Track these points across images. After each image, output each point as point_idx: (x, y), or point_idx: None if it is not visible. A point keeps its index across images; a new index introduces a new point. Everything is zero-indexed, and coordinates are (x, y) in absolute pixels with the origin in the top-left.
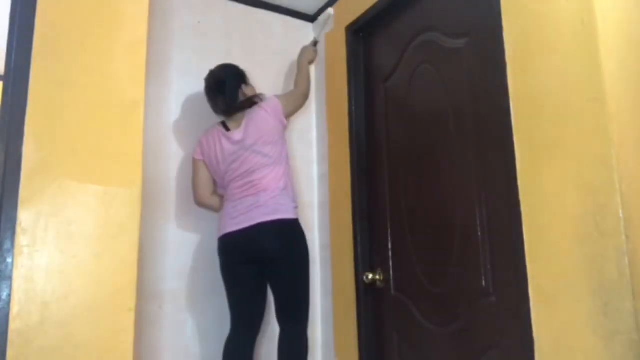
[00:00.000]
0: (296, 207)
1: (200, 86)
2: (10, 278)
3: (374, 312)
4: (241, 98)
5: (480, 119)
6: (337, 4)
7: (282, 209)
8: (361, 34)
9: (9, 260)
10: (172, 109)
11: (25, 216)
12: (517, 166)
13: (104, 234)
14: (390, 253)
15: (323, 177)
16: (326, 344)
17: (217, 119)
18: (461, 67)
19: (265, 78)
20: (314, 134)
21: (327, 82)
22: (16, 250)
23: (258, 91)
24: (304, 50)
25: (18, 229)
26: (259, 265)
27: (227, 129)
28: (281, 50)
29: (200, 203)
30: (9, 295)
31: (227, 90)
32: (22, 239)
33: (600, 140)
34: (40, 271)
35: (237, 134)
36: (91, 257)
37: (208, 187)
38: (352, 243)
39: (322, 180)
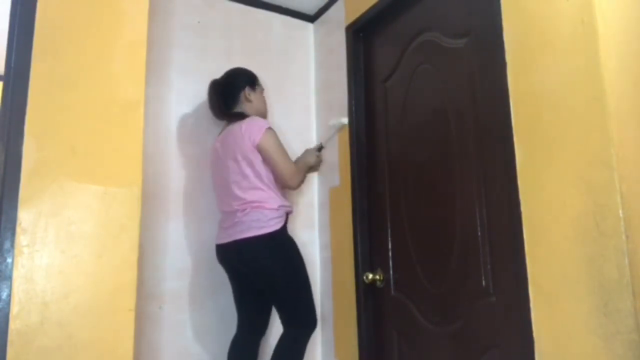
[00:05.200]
0: (277, 218)
1: (200, 86)
2: (10, 278)
3: (374, 312)
4: (242, 101)
5: (480, 119)
6: (336, 4)
7: (256, 226)
8: (361, 34)
9: (9, 260)
10: (172, 109)
11: (25, 216)
12: (517, 166)
13: (104, 234)
14: (390, 253)
15: (323, 177)
16: (326, 344)
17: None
18: (461, 67)
19: (265, 78)
20: (314, 134)
21: (327, 82)
22: (16, 250)
23: (263, 97)
24: (306, 152)
25: (18, 229)
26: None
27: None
28: (281, 50)
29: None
30: (9, 295)
31: (229, 90)
32: (22, 239)
33: (600, 140)
34: (40, 271)
35: (217, 141)
36: (91, 257)
37: None
38: (352, 243)
39: (322, 180)
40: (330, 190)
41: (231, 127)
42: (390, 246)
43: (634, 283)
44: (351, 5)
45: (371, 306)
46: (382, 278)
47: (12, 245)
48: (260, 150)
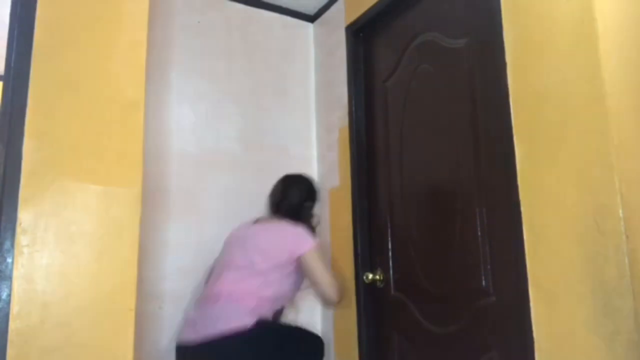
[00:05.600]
0: (254, 316)
1: (200, 86)
2: (10, 278)
3: (374, 312)
4: (306, 213)
5: (480, 118)
6: (336, 4)
7: (222, 322)
8: (361, 34)
9: (9, 260)
10: (172, 109)
11: (25, 216)
12: (517, 166)
13: (104, 234)
14: (390, 253)
15: (323, 177)
16: (326, 344)
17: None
18: (461, 67)
19: (265, 78)
20: (314, 134)
21: (327, 82)
22: (16, 250)
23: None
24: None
25: (18, 229)
26: None
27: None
28: (281, 50)
29: None
30: (9, 295)
31: (305, 197)
32: (22, 239)
33: (600, 140)
34: (40, 271)
35: (252, 227)
36: (91, 257)
37: None
38: (352, 243)
39: (322, 180)
40: (330, 190)
41: (279, 223)
42: (390, 246)
43: (634, 283)
44: (351, 5)
45: (371, 306)
46: (382, 278)
47: (12, 245)
48: (302, 264)
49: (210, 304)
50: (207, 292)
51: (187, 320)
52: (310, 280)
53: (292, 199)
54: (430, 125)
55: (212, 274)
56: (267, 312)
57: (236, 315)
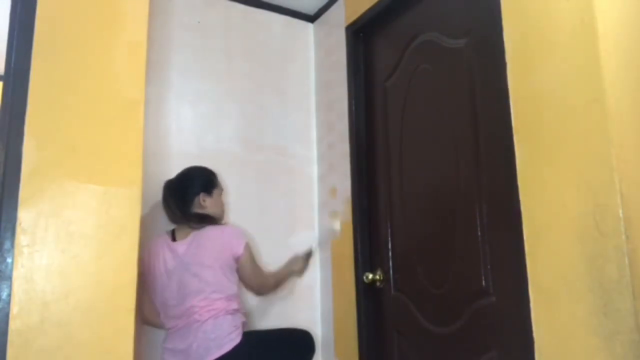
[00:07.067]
0: (238, 328)
1: (200, 86)
2: (10, 278)
3: (374, 312)
4: (196, 207)
5: (480, 119)
6: (336, 4)
7: (214, 345)
8: (361, 34)
9: (9, 260)
10: (172, 109)
11: (25, 216)
12: (517, 166)
13: (104, 234)
14: (390, 253)
15: (323, 177)
16: (326, 344)
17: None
18: (461, 67)
19: (265, 78)
20: (314, 134)
21: (327, 82)
22: (16, 250)
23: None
24: (294, 259)
25: (18, 229)
26: None
27: (174, 239)
28: (281, 50)
29: (145, 322)
30: (9, 295)
31: (183, 194)
32: (22, 239)
33: (600, 140)
34: (40, 271)
35: (180, 246)
36: (91, 257)
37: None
38: (352, 243)
39: (322, 180)
40: (330, 190)
41: (204, 232)
42: (390, 246)
43: (634, 283)
44: (351, 5)
45: (371, 306)
46: (382, 278)
47: (12, 245)
48: (239, 264)
49: (191, 331)
50: (179, 321)
51: (172, 351)
52: (242, 275)
53: (186, 201)
54: (430, 125)
55: (170, 304)
56: (241, 316)
57: (222, 336)
